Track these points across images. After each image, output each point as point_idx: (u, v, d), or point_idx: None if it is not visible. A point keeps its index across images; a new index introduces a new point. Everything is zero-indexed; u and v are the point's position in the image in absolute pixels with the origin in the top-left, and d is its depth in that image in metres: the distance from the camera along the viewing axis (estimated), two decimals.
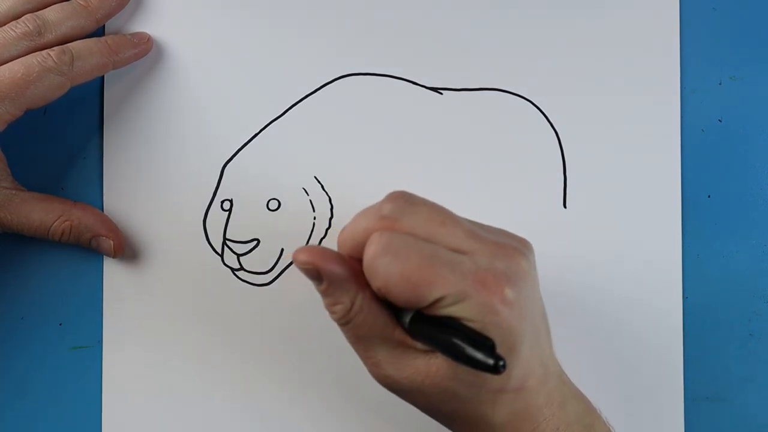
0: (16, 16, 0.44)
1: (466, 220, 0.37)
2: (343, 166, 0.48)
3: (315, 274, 0.36)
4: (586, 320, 0.48)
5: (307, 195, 0.48)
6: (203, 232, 0.48)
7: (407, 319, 0.36)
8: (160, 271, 0.48)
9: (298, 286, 0.48)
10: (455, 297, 0.34)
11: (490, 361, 0.32)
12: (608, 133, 0.48)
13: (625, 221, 0.48)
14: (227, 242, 0.48)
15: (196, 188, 0.48)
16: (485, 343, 0.33)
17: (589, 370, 0.47)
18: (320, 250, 0.36)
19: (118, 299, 0.48)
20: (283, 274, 0.48)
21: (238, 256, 0.48)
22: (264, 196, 0.48)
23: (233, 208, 0.48)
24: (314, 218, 0.48)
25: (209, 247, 0.48)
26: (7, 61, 0.43)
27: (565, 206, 0.48)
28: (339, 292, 0.36)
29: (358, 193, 0.48)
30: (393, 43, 0.48)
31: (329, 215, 0.48)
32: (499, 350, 0.34)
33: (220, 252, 0.48)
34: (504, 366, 0.32)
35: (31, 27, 0.44)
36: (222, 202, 0.48)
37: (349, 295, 0.36)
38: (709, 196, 0.49)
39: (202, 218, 0.48)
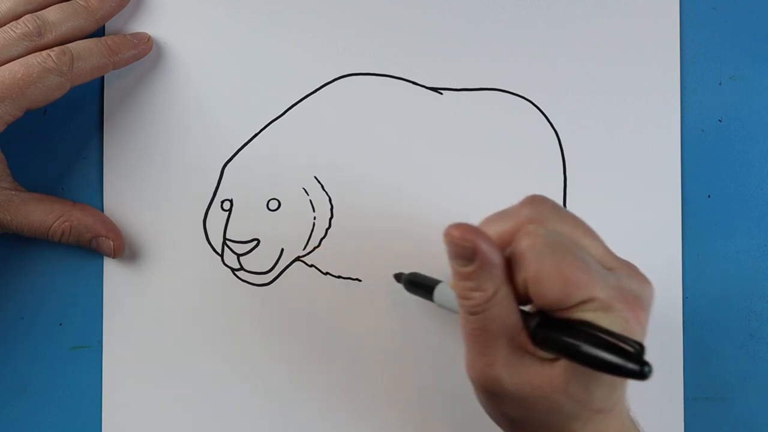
0: (17, 17, 0.44)
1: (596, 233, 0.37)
2: (343, 166, 0.48)
3: (468, 254, 0.34)
4: None
5: (307, 195, 0.48)
6: (203, 232, 0.48)
7: (533, 323, 0.35)
8: (160, 271, 0.48)
9: (298, 286, 0.48)
10: (602, 304, 0.34)
11: (635, 367, 0.31)
12: (608, 133, 0.48)
13: (625, 221, 0.48)
14: (227, 242, 0.48)
15: (196, 188, 0.48)
16: (632, 350, 0.32)
17: None
18: (476, 228, 0.35)
19: (118, 299, 0.48)
20: (283, 274, 0.48)
21: (238, 256, 0.48)
22: (264, 196, 0.48)
23: (233, 208, 0.48)
24: (314, 218, 0.48)
25: (209, 247, 0.48)
26: (7, 62, 0.43)
27: (565, 206, 0.48)
28: (485, 278, 0.34)
29: (358, 193, 0.48)
30: (393, 43, 0.48)
31: (329, 215, 0.48)
32: None
33: (220, 252, 0.48)
34: (650, 371, 0.31)
35: (31, 27, 0.44)
36: (222, 202, 0.48)
37: (494, 283, 0.35)
38: (709, 196, 0.49)
39: (202, 218, 0.48)
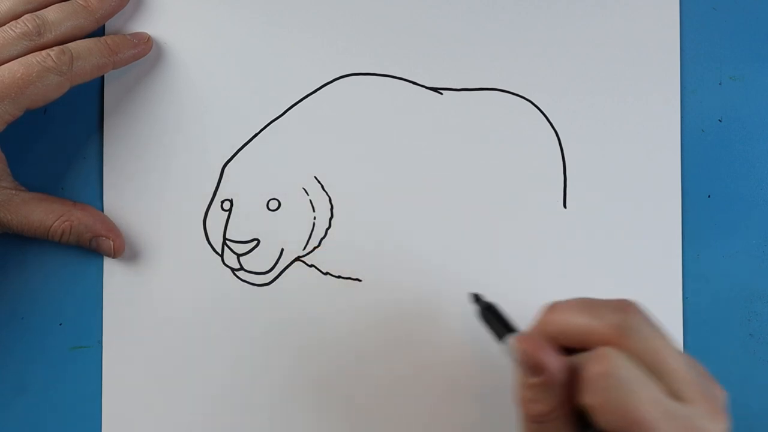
0: (16, 16, 0.44)
1: (682, 356, 0.36)
2: (343, 166, 0.48)
3: (536, 369, 0.34)
4: None
5: (307, 195, 0.48)
6: (203, 232, 0.48)
7: None
8: (160, 271, 0.48)
9: (298, 286, 0.48)
10: None
11: None
12: (608, 133, 0.48)
13: (625, 221, 0.48)
14: (227, 242, 0.48)
15: (196, 188, 0.48)
16: None
17: None
18: (544, 345, 0.34)
19: (118, 299, 0.48)
20: (283, 274, 0.48)
21: (238, 256, 0.48)
22: (264, 196, 0.48)
23: (233, 208, 0.48)
24: (314, 218, 0.48)
25: (209, 247, 0.48)
26: (7, 61, 0.43)
27: (565, 206, 0.48)
28: (548, 393, 0.35)
29: (358, 193, 0.48)
30: (393, 43, 0.48)
31: (329, 215, 0.48)
32: None
33: (220, 252, 0.48)
34: None
35: (30, 27, 0.44)
36: (222, 202, 0.48)
37: (554, 400, 0.35)
38: (709, 196, 0.49)
39: (202, 218, 0.48)
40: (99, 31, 0.47)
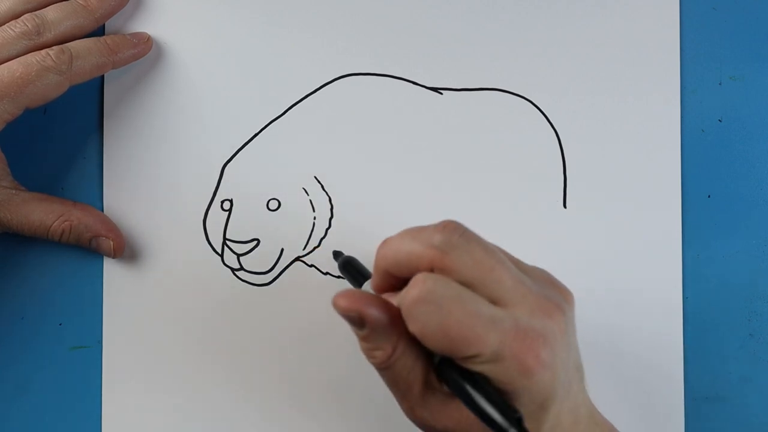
0: (16, 16, 0.44)
1: (513, 263, 0.36)
2: (343, 166, 0.48)
3: (357, 320, 0.35)
4: (586, 320, 0.48)
5: (307, 195, 0.48)
6: (203, 232, 0.48)
7: (436, 360, 0.35)
8: (160, 271, 0.48)
9: (298, 286, 0.48)
10: (490, 357, 0.33)
11: (512, 430, 0.32)
12: (608, 133, 0.48)
13: (625, 221, 0.48)
14: (227, 242, 0.48)
15: (196, 188, 0.48)
16: (512, 415, 0.32)
17: (589, 370, 0.47)
18: (362, 295, 0.35)
19: (118, 299, 0.48)
20: (283, 274, 0.48)
21: (238, 256, 0.48)
22: (264, 196, 0.48)
23: (233, 208, 0.48)
24: (314, 218, 0.48)
25: (209, 247, 0.48)
26: (6, 61, 0.43)
27: (565, 206, 0.48)
28: (381, 338, 0.35)
29: (358, 193, 0.48)
30: (393, 43, 0.48)
31: (329, 215, 0.48)
32: (528, 408, 0.34)
33: (220, 252, 0.48)
34: None
35: (30, 26, 0.44)
36: (222, 202, 0.48)
37: (391, 342, 0.35)
38: (709, 196, 0.49)
39: (202, 218, 0.48)
40: (99, 31, 0.47)
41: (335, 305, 0.35)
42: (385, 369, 0.36)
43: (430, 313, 0.33)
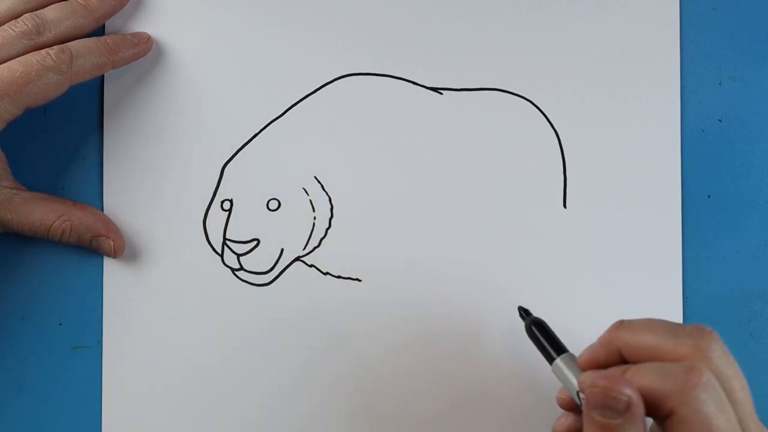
0: (16, 16, 0.44)
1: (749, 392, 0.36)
2: (343, 166, 0.48)
3: (620, 407, 0.33)
4: (586, 320, 0.48)
5: (307, 195, 0.48)
6: (203, 232, 0.48)
7: None
8: (160, 271, 0.48)
9: (298, 286, 0.48)
10: None
11: None
12: (608, 133, 0.48)
13: (625, 221, 0.48)
14: (227, 242, 0.48)
15: (196, 188, 0.48)
16: None
17: None
18: (624, 379, 0.34)
19: (118, 299, 0.48)
20: (283, 274, 0.48)
21: (238, 256, 0.48)
22: (264, 196, 0.48)
23: (233, 208, 0.48)
24: (314, 218, 0.48)
25: (209, 247, 0.48)
26: (7, 60, 0.43)
27: (565, 206, 0.48)
28: (629, 429, 0.33)
29: (358, 193, 0.48)
30: (393, 43, 0.48)
31: (329, 215, 0.48)
32: None
33: (220, 252, 0.48)
34: None
35: (30, 26, 0.44)
36: (222, 202, 0.48)
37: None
38: (709, 196, 0.49)
39: (202, 218, 0.48)
40: (99, 31, 0.47)
41: (594, 386, 0.34)
42: None
43: (710, 402, 0.33)
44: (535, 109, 0.48)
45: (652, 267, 0.48)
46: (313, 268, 0.48)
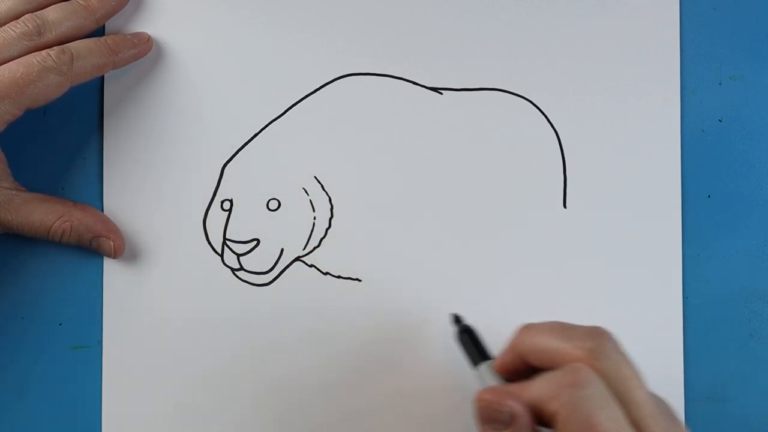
0: (16, 16, 0.44)
1: (649, 391, 0.36)
2: (343, 166, 0.48)
3: (505, 419, 0.35)
4: (585, 320, 0.48)
5: (307, 195, 0.48)
6: (203, 232, 0.48)
7: None
8: (160, 271, 0.48)
9: (298, 286, 0.48)
10: None
11: None
12: (608, 133, 0.48)
13: (625, 221, 0.48)
14: (227, 242, 0.48)
15: (196, 188, 0.48)
16: None
17: None
18: (507, 391, 0.35)
19: (118, 299, 0.48)
20: (283, 274, 0.48)
21: (238, 256, 0.48)
22: (264, 196, 0.48)
23: (233, 208, 0.48)
24: (314, 218, 0.48)
25: (209, 247, 0.48)
26: (7, 61, 0.43)
27: (565, 206, 0.48)
28: None
29: (358, 193, 0.48)
30: (393, 43, 0.48)
31: (329, 215, 0.48)
32: None
33: (220, 252, 0.48)
34: None
35: (30, 27, 0.44)
36: (222, 202, 0.48)
37: None
38: (709, 196, 0.49)
39: (202, 218, 0.48)
40: (99, 31, 0.47)
41: (481, 400, 0.35)
42: None
43: (583, 401, 0.33)
44: (535, 109, 0.48)
45: (652, 267, 0.48)
46: (313, 268, 0.48)
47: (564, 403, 0.34)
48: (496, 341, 0.47)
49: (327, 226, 0.48)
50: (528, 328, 0.37)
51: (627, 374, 0.35)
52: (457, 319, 0.45)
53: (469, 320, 0.44)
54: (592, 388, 0.34)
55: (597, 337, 0.36)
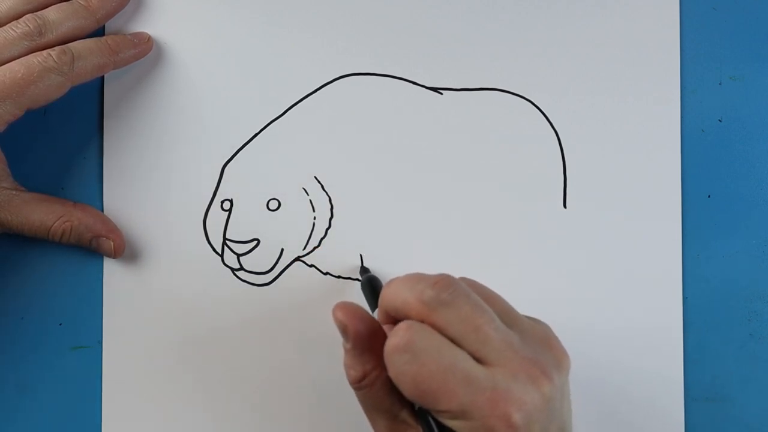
0: (17, 16, 0.44)
1: (512, 319, 0.37)
2: (343, 166, 0.48)
3: (344, 331, 0.36)
4: (585, 320, 0.48)
5: (307, 195, 0.48)
6: (203, 232, 0.48)
7: (417, 405, 0.36)
8: (160, 271, 0.48)
9: (298, 286, 0.48)
10: (458, 414, 0.34)
11: None
12: (608, 133, 0.48)
13: (625, 221, 0.48)
14: (227, 242, 0.48)
15: (196, 188, 0.48)
16: None
17: (589, 369, 0.47)
18: (357, 311, 0.36)
19: (118, 299, 0.48)
20: (283, 274, 0.48)
21: (238, 256, 0.48)
22: (264, 196, 0.48)
23: (233, 208, 0.48)
24: (314, 218, 0.48)
25: (209, 247, 0.48)
26: (8, 61, 0.43)
27: (565, 206, 0.48)
28: (356, 359, 0.36)
29: (358, 193, 0.48)
30: (393, 43, 0.48)
31: (329, 215, 0.48)
32: None
33: (220, 252, 0.48)
34: None
35: (31, 27, 0.44)
36: (222, 202, 0.48)
37: (363, 367, 0.36)
38: (709, 196, 0.49)
39: (202, 218, 0.48)
40: (99, 31, 0.47)
41: (333, 312, 0.36)
42: (357, 390, 0.37)
43: (406, 363, 0.34)
44: (535, 109, 0.48)
45: (652, 267, 0.48)
46: (313, 268, 0.48)
47: (393, 367, 0.34)
48: None
49: (327, 226, 0.48)
50: (388, 283, 0.37)
51: (467, 314, 0.35)
52: (365, 270, 0.46)
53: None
54: (417, 344, 0.34)
55: (435, 286, 0.35)
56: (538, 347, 0.36)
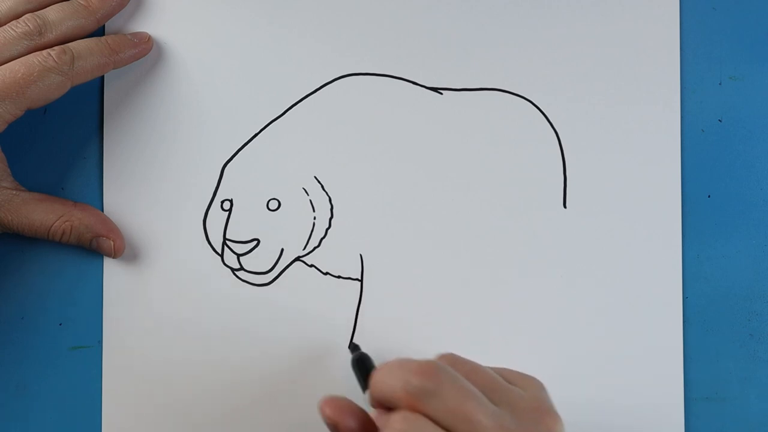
0: (17, 16, 0.44)
1: (504, 378, 0.37)
2: (343, 166, 0.48)
3: (335, 428, 0.37)
4: (585, 320, 0.48)
5: (307, 195, 0.48)
6: (203, 232, 0.48)
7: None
8: (160, 271, 0.48)
9: (298, 286, 0.48)
10: None
11: None
12: (608, 133, 0.48)
13: (625, 221, 0.48)
14: (227, 242, 0.48)
15: (196, 188, 0.48)
16: None
17: (589, 369, 0.47)
18: (345, 405, 0.36)
19: (118, 299, 0.48)
20: (283, 274, 0.48)
21: (238, 256, 0.48)
22: (264, 196, 0.48)
23: (233, 208, 0.48)
24: (314, 218, 0.48)
25: (209, 247, 0.48)
26: (8, 61, 0.43)
27: (565, 206, 0.48)
28: None
29: (358, 193, 0.48)
30: (393, 43, 0.48)
31: (329, 215, 0.48)
32: None
33: (220, 252, 0.48)
34: None
35: (31, 26, 0.44)
36: (222, 202, 0.48)
37: None
38: (709, 196, 0.49)
39: (202, 218, 0.48)
40: (99, 31, 0.47)
41: (320, 409, 0.37)
42: None
43: None
44: (535, 109, 0.48)
45: (652, 267, 0.48)
46: (313, 268, 0.48)
47: None
48: (496, 340, 0.47)
49: (327, 226, 0.48)
50: (377, 370, 0.37)
51: (453, 405, 0.34)
52: (354, 347, 0.46)
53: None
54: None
55: (420, 375, 0.35)
56: (531, 423, 0.36)
